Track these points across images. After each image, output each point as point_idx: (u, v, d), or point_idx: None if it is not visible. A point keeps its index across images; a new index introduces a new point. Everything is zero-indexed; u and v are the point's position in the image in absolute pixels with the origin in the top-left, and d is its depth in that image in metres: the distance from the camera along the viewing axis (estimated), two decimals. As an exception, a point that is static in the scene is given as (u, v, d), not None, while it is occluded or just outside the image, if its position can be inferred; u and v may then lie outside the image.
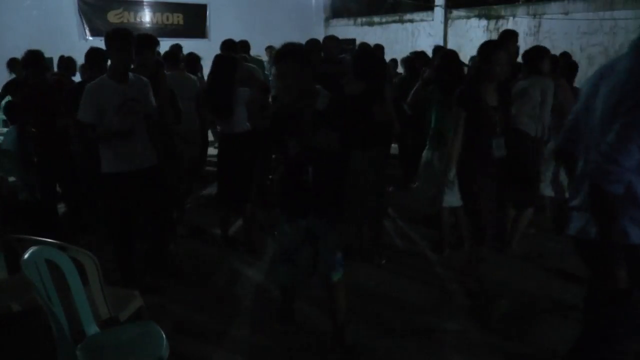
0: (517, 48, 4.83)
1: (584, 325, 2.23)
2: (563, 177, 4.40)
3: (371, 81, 3.89)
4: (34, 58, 4.44)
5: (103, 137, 3.39)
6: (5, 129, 5.68)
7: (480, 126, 3.31)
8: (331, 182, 2.74)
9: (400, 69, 7.94)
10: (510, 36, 4.77)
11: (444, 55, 4.41)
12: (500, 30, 10.48)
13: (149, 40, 4.19)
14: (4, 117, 6.21)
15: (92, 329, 2.40)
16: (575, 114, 2.18)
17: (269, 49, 9.32)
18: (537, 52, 4.17)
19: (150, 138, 3.59)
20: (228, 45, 5.84)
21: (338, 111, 2.65)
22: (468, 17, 11.43)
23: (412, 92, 4.98)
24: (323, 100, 2.63)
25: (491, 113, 3.28)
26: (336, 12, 14.95)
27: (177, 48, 6.85)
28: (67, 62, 6.13)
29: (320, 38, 6.00)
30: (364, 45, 6.79)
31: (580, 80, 5.15)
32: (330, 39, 5.60)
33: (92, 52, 4.41)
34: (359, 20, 14.13)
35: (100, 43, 5.03)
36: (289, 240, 2.88)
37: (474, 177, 3.40)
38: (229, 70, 4.18)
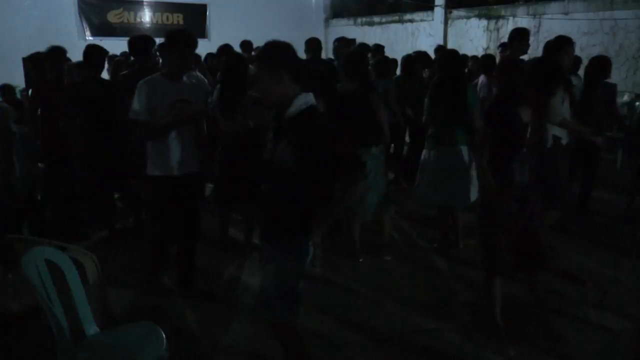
0: (528, 47, 4.77)
1: None
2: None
3: (363, 81, 3.97)
4: (57, 54, 4.50)
5: (157, 131, 3.27)
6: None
7: (505, 144, 2.94)
8: (284, 203, 2.29)
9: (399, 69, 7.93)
10: (520, 34, 4.72)
11: (443, 56, 4.40)
12: (500, 31, 10.57)
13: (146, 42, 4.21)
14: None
15: (92, 329, 2.40)
16: None
17: None
18: (557, 43, 3.99)
19: (196, 143, 3.46)
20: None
21: (306, 125, 2.21)
22: (468, 17, 11.44)
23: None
24: (295, 109, 2.22)
25: (522, 130, 2.91)
26: (336, 12, 14.96)
27: None
28: None
29: (321, 38, 6.01)
30: (362, 45, 6.78)
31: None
32: (339, 40, 5.71)
33: (93, 51, 4.38)
34: (359, 20, 14.14)
35: (100, 43, 5.04)
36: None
37: (493, 199, 3.01)
38: (241, 71, 4.19)
